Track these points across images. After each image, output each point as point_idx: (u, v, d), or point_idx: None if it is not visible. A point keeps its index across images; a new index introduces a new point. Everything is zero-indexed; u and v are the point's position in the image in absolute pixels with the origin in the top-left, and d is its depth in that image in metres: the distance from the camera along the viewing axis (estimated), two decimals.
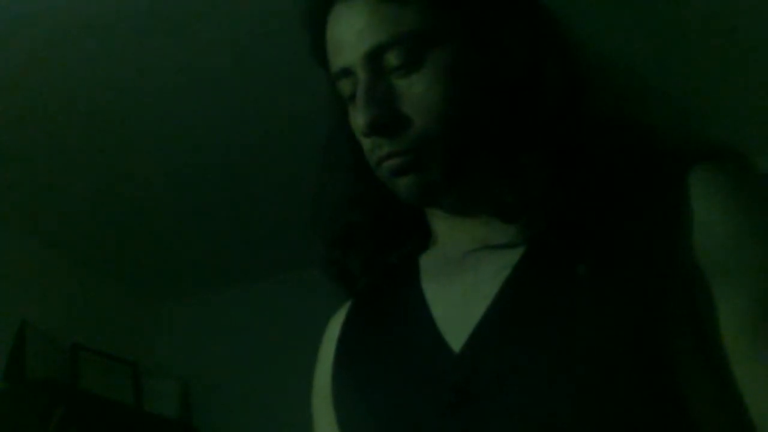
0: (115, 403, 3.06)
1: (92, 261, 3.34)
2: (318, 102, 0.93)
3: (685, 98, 2.31)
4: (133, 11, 2.19)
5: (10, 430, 2.75)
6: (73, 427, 2.78)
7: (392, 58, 0.77)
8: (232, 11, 2.21)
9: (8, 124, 2.56)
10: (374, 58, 0.78)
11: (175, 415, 3.33)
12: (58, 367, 2.99)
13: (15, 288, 3.01)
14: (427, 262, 0.87)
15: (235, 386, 3.33)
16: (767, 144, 2.33)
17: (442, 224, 0.87)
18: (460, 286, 0.80)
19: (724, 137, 0.77)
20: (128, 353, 3.30)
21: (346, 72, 0.80)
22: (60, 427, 2.74)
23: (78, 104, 2.50)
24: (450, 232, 0.86)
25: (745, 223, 0.71)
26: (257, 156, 2.77)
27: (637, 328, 0.68)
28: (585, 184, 0.76)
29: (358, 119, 0.77)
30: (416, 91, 0.77)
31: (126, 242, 3.24)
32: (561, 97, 0.79)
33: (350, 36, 0.78)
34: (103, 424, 2.95)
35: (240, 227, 3.16)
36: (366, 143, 0.80)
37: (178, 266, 3.44)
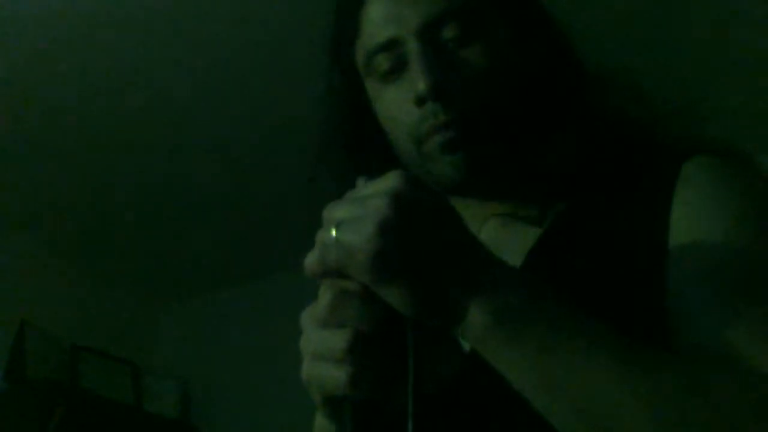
0: (115, 403, 3.07)
1: (92, 261, 3.34)
2: (319, 102, 0.92)
3: (686, 99, 2.31)
4: (133, 11, 2.19)
5: (10, 430, 2.75)
6: (73, 427, 2.78)
7: (449, 30, 0.78)
8: (233, 10, 2.21)
9: (8, 125, 2.56)
10: (431, 28, 0.78)
11: (175, 415, 3.33)
12: (58, 367, 2.99)
13: (15, 288, 3.01)
14: None
15: (235, 386, 3.33)
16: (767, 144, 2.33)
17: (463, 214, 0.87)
18: None
19: (725, 137, 0.78)
20: (128, 353, 3.30)
21: (392, 44, 0.79)
22: (60, 427, 2.74)
23: (78, 104, 2.50)
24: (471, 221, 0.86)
25: (722, 209, 0.72)
26: (257, 156, 2.77)
27: (643, 302, 0.70)
28: (604, 164, 0.78)
29: (419, 84, 0.77)
30: (474, 63, 0.78)
31: (126, 243, 3.24)
32: (577, 85, 0.83)
33: (403, 6, 0.79)
34: (103, 424, 2.95)
35: (240, 227, 3.16)
36: (414, 114, 0.79)
37: (178, 266, 3.44)
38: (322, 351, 0.59)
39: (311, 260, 0.60)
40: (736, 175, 0.76)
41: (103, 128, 2.61)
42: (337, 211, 0.59)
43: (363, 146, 0.86)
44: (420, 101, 0.77)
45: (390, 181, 0.58)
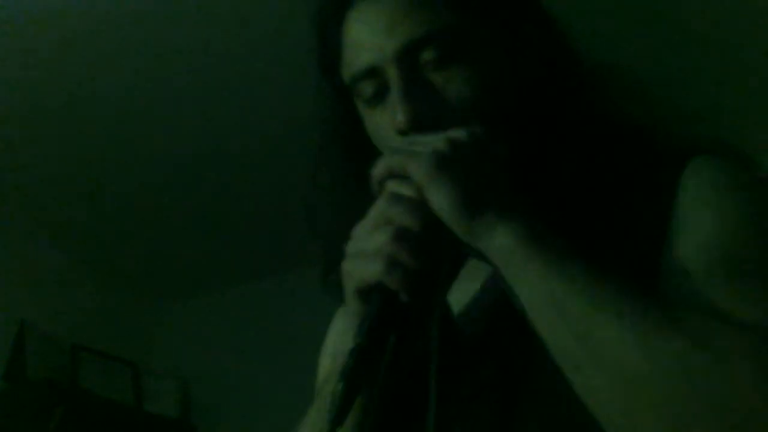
0: (115, 403, 3.07)
1: (92, 261, 3.34)
2: (317, 104, 0.92)
3: (686, 99, 2.31)
4: (133, 10, 2.19)
5: (10, 430, 2.75)
6: (73, 427, 2.78)
7: (427, 54, 0.76)
8: (233, 10, 2.21)
9: (8, 125, 2.56)
10: (408, 53, 0.77)
11: (175, 415, 3.33)
12: (58, 367, 3.00)
13: (15, 288, 3.01)
14: None
15: (235, 386, 3.33)
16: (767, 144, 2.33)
17: None
18: (479, 283, 0.82)
19: (725, 137, 0.78)
20: (128, 353, 3.30)
21: (371, 72, 0.78)
22: (60, 427, 2.74)
23: (78, 104, 2.50)
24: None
25: (722, 209, 0.72)
26: (257, 156, 2.78)
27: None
28: (603, 173, 0.78)
29: (398, 116, 0.76)
30: (454, 86, 0.77)
31: (126, 242, 3.24)
32: (575, 92, 0.81)
33: (379, 33, 0.77)
34: (103, 424, 2.95)
35: (240, 227, 3.16)
36: (399, 140, 0.78)
37: (178, 266, 3.44)
38: (365, 246, 0.67)
39: (380, 164, 0.71)
40: (736, 177, 0.75)
41: (103, 128, 2.62)
42: (413, 138, 0.72)
43: (360, 151, 0.85)
44: (401, 133, 0.77)
45: (473, 126, 0.71)
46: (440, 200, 0.66)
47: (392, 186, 0.69)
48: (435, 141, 0.69)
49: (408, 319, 0.67)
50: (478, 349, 0.75)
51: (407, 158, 0.68)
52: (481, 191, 0.67)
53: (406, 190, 0.68)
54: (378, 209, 0.69)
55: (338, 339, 0.77)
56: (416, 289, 0.66)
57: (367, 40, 0.78)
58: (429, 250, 0.67)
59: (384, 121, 0.79)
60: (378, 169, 0.71)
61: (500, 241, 0.66)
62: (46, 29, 2.22)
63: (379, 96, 0.79)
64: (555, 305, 0.63)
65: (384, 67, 0.77)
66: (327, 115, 0.89)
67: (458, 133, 0.70)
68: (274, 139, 2.67)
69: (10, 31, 2.22)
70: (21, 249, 3.11)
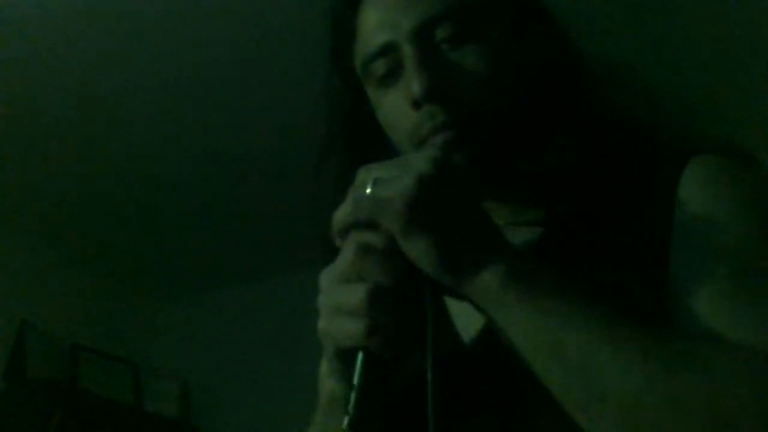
0: (115, 403, 3.07)
1: (92, 261, 3.34)
2: (320, 102, 0.92)
3: (688, 98, 2.31)
4: (132, 10, 2.19)
5: (10, 430, 2.75)
6: (73, 427, 2.78)
7: (443, 31, 0.77)
8: (234, 10, 2.21)
9: (8, 124, 2.56)
10: (425, 31, 0.77)
11: (175, 415, 3.33)
12: (58, 367, 3.00)
13: (15, 288, 3.01)
14: None
15: (234, 386, 3.33)
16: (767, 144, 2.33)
17: None
18: None
19: (727, 135, 0.78)
20: (128, 353, 3.30)
21: (387, 49, 0.79)
22: (60, 427, 2.74)
23: (78, 104, 2.50)
24: None
25: (724, 206, 0.72)
26: (257, 156, 2.77)
27: (646, 300, 0.70)
28: (606, 164, 0.78)
29: (414, 86, 0.76)
30: (469, 62, 0.77)
31: (126, 242, 3.24)
32: (578, 79, 0.82)
33: (395, 12, 0.78)
34: (103, 424, 2.95)
35: (240, 227, 3.16)
36: (413, 118, 0.78)
37: (177, 266, 3.44)
38: (341, 304, 0.63)
39: (341, 212, 0.65)
40: (738, 174, 0.75)
41: (103, 128, 2.61)
42: (373, 171, 0.66)
43: (366, 149, 0.85)
44: (416, 104, 0.76)
45: (429, 151, 0.68)
46: (418, 251, 0.62)
47: (358, 237, 0.64)
48: (403, 181, 0.63)
49: (395, 370, 0.65)
50: (476, 366, 0.74)
51: (376, 207, 0.63)
52: (460, 232, 0.63)
53: (375, 241, 0.63)
54: (346, 261, 0.64)
55: (323, 374, 0.75)
56: (401, 344, 0.63)
57: (383, 19, 0.79)
58: (409, 299, 0.64)
59: (397, 101, 0.79)
60: (340, 218, 0.65)
61: (486, 284, 0.63)
62: (42, 28, 2.22)
63: (392, 75, 0.79)
64: (551, 346, 0.61)
65: (399, 44, 0.78)
66: (333, 111, 0.88)
67: (423, 166, 0.64)
68: (276, 139, 2.67)
69: (8, 31, 2.22)
70: (21, 249, 3.11)
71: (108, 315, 3.41)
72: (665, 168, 0.76)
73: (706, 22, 2.30)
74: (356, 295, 0.62)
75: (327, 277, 0.65)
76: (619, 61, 0.83)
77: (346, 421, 0.62)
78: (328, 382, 0.72)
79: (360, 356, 0.63)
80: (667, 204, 0.74)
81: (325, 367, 0.73)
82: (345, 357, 0.64)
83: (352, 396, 0.62)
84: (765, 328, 0.63)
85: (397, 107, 0.79)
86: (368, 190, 0.64)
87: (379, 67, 0.80)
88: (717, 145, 0.78)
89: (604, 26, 2.11)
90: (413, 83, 0.76)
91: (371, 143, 0.85)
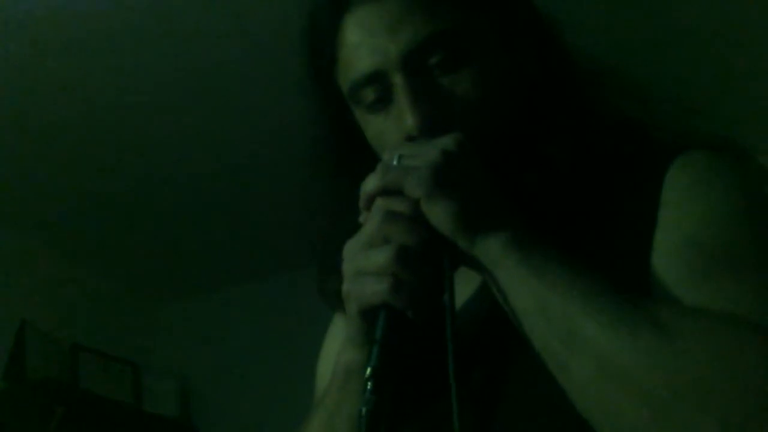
0: (115, 403, 3.07)
1: (92, 261, 3.34)
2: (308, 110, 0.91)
3: (685, 98, 2.31)
4: (132, 9, 2.19)
5: (10, 430, 2.75)
6: (73, 427, 2.78)
7: (432, 56, 0.75)
8: (234, 10, 2.21)
9: (8, 124, 2.56)
10: (414, 57, 0.75)
11: (175, 414, 3.34)
12: (58, 367, 3.00)
13: (15, 288, 3.01)
14: None
15: (234, 386, 3.33)
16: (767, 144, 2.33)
17: None
18: (470, 286, 0.82)
19: (721, 132, 0.78)
20: (128, 353, 3.30)
21: (376, 77, 0.77)
22: (60, 427, 2.74)
23: (77, 104, 2.50)
24: None
25: (710, 200, 0.73)
26: (257, 156, 2.78)
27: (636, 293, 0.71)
28: (598, 167, 0.78)
29: (408, 120, 0.75)
30: (461, 88, 0.76)
31: (126, 242, 3.24)
32: (569, 93, 0.81)
33: (380, 35, 0.76)
34: (103, 424, 2.95)
35: (239, 227, 3.17)
36: (405, 147, 0.76)
37: (178, 266, 3.44)
38: (366, 266, 0.68)
39: (370, 181, 0.70)
40: (728, 168, 0.75)
41: (103, 128, 2.62)
42: (399, 149, 0.72)
43: (352, 160, 0.84)
44: (410, 138, 0.75)
45: (455, 133, 0.72)
46: (441, 215, 0.68)
47: (386, 203, 0.69)
48: (429, 153, 0.69)
49: (416, 332, 0.68)
50: (469, 354, 0.75)
51: (403, 174, 0.69)
52: (477, 201, 0.69)
53: (401, 207, 0.68)
54: (373, 227, 0.69)
55: (339, 350, 0.76)
56: (422, 304, 0.67)
57: (368, 43, 0.76)
58: (429, 264, 0.68)
59: (388, 127, 0.78)
60: (369, 186, 0.70)
61: (493, 247, 0.68)
62: (42, 28, 2.22)
63: (382, 101, 0.78)
64: (540, 308, 0.66)
65: (388, 72, 0.76)
66: (317, 123, 0.88)
67: (448, 142, 0.70)
68: (277, 139, 2.67)
69: (8, 32, 2.22)
70: (21, 249, 3.11)
71: (108, 315, 3.41)
72: (656, 166, 0.76)
73: (705, 20, 2.30)
74: (382, 255, 0.67)
75: (351, 245, 0.70)
76: (613, 60, 0.83)
77: (368, 371, 0.65)
78: (345, 354, 0.74)
79: (383, 312, 0.66)
80: (655, 200, 0.74)
81: (342, 339, 0.76)
82: (368, 316, 0.68)
83: (375, 349, 0.65)
84: (733, 303, 0.65)
85: (387, 133, 0.78)
86: (395, 161, 0.70)
87: (368, 94, 0.78)
88: (709, 141, 0.78)
89: (598, 23, 2.11)
90: (407, 117, 0.75)
91: (357, 154, 0.84)
